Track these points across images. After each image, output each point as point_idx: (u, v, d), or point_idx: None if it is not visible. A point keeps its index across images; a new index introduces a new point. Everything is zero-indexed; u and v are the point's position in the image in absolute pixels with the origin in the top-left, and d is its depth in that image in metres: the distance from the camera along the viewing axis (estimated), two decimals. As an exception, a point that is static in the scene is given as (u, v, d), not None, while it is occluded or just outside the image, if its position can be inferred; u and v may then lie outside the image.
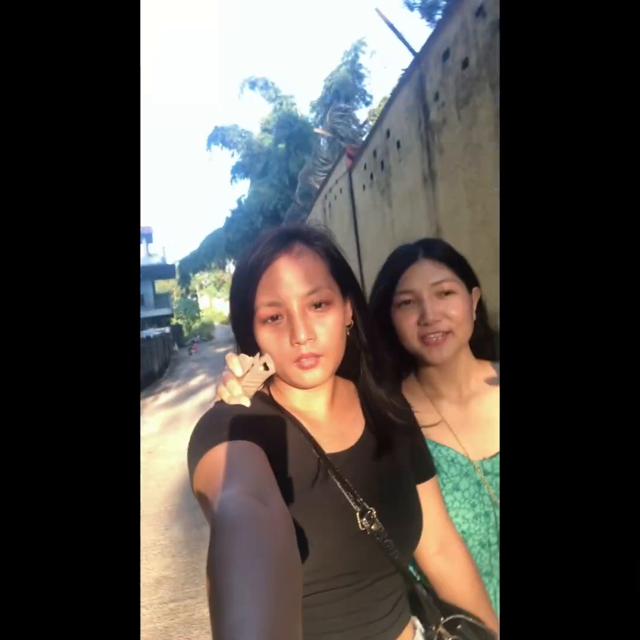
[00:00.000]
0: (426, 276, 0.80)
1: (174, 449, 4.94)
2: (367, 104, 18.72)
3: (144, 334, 16.33)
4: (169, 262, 27.16)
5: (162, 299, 27.47)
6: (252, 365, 0.61)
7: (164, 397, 9.28)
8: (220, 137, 21.33)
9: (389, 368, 0.77)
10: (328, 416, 0.67)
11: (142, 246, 26.74)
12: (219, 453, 0.52)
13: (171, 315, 28.10)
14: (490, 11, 2.91)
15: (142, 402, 8.90)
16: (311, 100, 21.03)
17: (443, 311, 0.78)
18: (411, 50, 4.13)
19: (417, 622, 0.68)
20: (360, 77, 19.20)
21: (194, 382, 10.74)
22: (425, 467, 0.74)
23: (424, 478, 0.72)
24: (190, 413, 7.00)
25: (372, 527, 0.60)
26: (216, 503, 0.42)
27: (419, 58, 3.99)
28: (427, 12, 8.98)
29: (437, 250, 0.83)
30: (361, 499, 0.61)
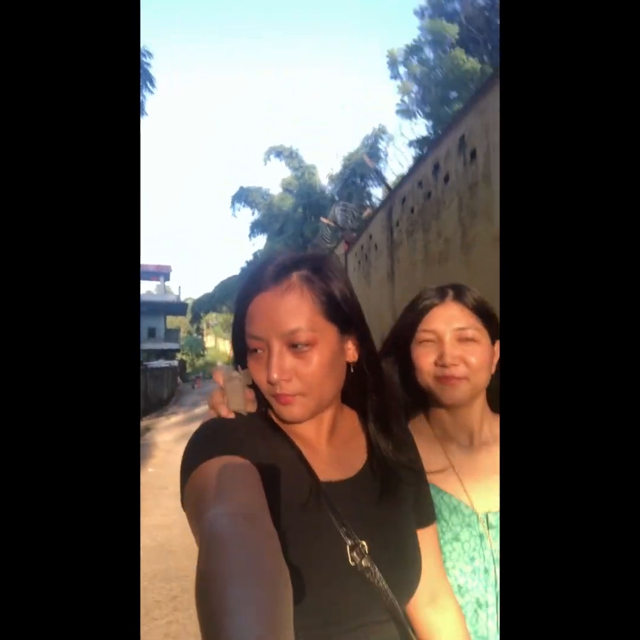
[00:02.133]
0: (451, 319, 0.79)
1: None
2: (379, 184, 21.19)
3: (156, 364, 17.97)
4: (181, 299, 29.30)
5: (172, 334, 29.25)
6: (231, 378, 0.61)
7: (174, 419, 10.86)
8: (244, 196, 23.93)
9: (394, 411, 0.73)
10: (328, 443, 0.65)
11: (160, 283, 28.93)
12: (210, 468, 0.51)
13: (178, 350, 29.75)
14: (455, 172, 4.78)
15: (155, 421, 10.45)
16: (330, 173, 23.75)
17: (462, 357, 0.77)
18: (388, 188, 6.09)
19: None
20: (377, 159, 21.84)
21: (198, 410, 12.25)
22: (426, 513, 0.70)
23: (424, 524, 0.69)
24: None
25: (362, 563, 0.56)
26: (206, 520, 0.42)
27: (391, 194, 5.92)
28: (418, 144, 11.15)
29: (467, 297, 0.81)
30: (352, 532, 0.57)
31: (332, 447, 0.65)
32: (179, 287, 30.88)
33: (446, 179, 4.33)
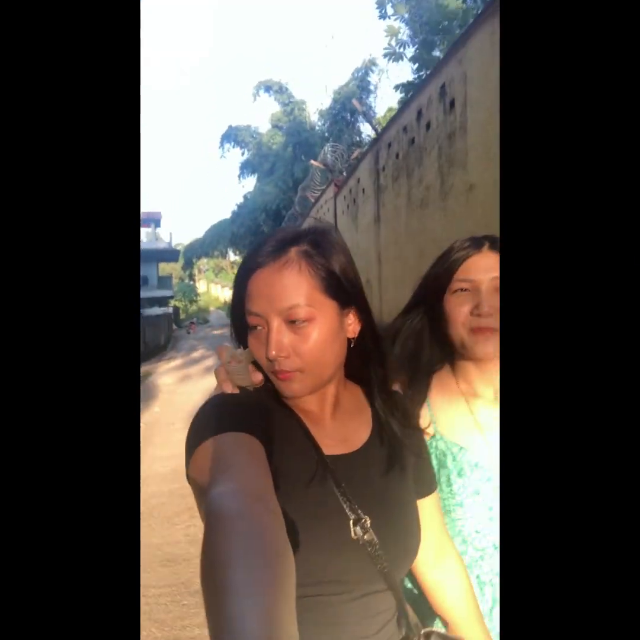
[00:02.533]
0: (489, 268, 0.77)
1: (190, 389, 7.07)
2: (370, 118, 20.44)
3: (150, 311, 18.29)
4: (172, 245, 29.06)
5: (165, 281, 29.25)
6: (232, 356, 0.61)
7: (173, 363, 11.36)
8: (233, 136, 23.11)
9: (399, 383, 0.75)
10: (332, 418, 0.65)
11: (151, 230, 28.56)
12: (216, 444, 0.51)
13: (172, 297, 29.91)
14: (434, 116, 4.86)
15: (155, 366, 10.94)
16: (319, 108, 22.86)
17: (498, 307, 0.74)
18: (376, 130, 6.10)
19: None
20: (368, 92, 20.95)
21: (196, 354, 12.75)
22: (427, 482, 0.72)
23: (425, 493, 0.71)
24: (197, 373, 9.11)
25: (365, 537, 0.57)
26: (211, 498, 0.42)
27: (377, 138, 5.96)
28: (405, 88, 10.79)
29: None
30: (356, 506, 0.59)
31: (336, 421, 0.66)
32: (170, 233, 30.35)
33: (428, 126, 4.43)
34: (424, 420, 0.80)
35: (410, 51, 11.94)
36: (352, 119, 20.43)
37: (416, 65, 11.41)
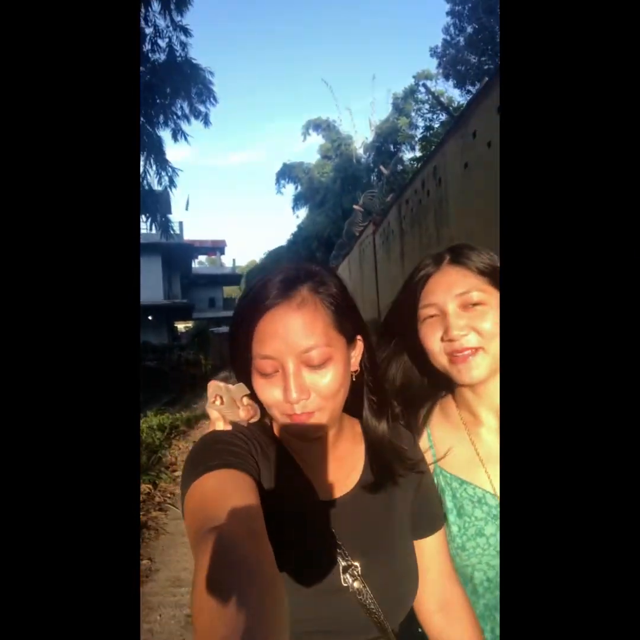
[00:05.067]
0: (450, 286, 0.71)
1: None
2: (413, 148, 22.28)
3: (220, 329, 20.98)
4: (235, 271, 32.19)
5: (229, 303, 32.39)
6: (216, 394, 0.61)
7: None
8: (287, 172, 25.89)
9: (393, 410, 0.72)
10: (327, 457, 0.64)
11: (216, 257, 31.87)
12: (208, 482, 0.51)
13: (235, 317, 32.89)
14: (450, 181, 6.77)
15: (226, 374, 13.22)
16: (364, 141, 25.06)
17: (470, 325, 0.69)
18: (450, 113, 8.04)
19: None
20: (411, 120, 22.84)
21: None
22: (428, 521, 0.69)
23: (425, 533, 0.68)
24: None
25: (354, 584, 0.57)
26: (203, 536, 0.42)
27: (399, 194, 7.91)
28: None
29: (465, 256, 0.73)
30: (346, 552, 0.58)
31: (331, 459, 0.64)
32: (233, 259, 33.60)
33: (428, 193, 6.34)
34: (426, 447, 0.77)
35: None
36: (395, 149, 22.42)
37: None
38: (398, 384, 0.84)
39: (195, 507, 0.50)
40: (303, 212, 26.71)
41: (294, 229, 26.89)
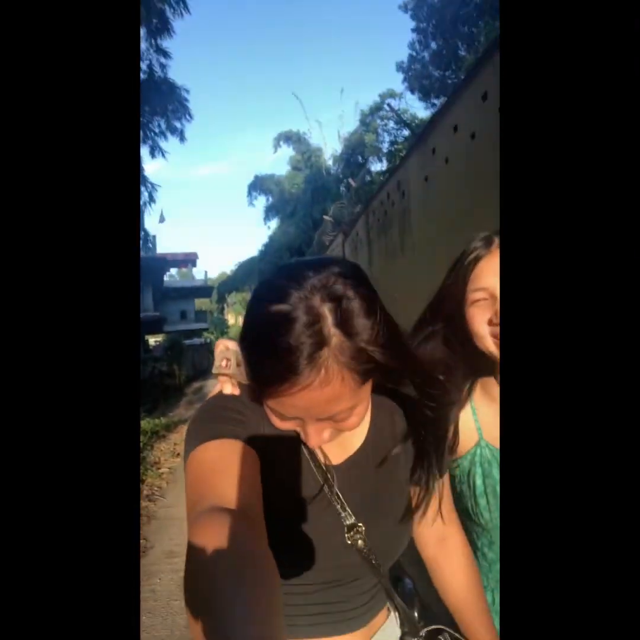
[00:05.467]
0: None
1: None
2: (380, 160, 23.00)
3: (192, 341, 20.97)
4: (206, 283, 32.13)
5: (201, 315, 32.26)
6: (228, 359, 0.59)
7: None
8: (258, 184, 26.20)
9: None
10: None
11: (188, 270, 31.74)
12: (207, 453, 0.52)
13: (206, 329, 32.81)
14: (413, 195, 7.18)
15: (204, 383, 13.33)
16: (334, 153, 25.69)
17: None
18: (412, 130, 8.44)
19: (392, 606, 0.69)
20: (378, 136, 23.59)
21: (236, 374, 15.15)
22: (438, 465, 0.69)
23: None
24: None
25: (359, 543, 0.60)
26: (197, 516, 0.44)
27: (367, 206, 8.31)
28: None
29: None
30: (350, 512, 0.61)
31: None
32: (205, 271, 33.53)
33: (393, 204, 6.74)
34: (470, 426, 0.79)
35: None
36: (364, 160, 23.07)
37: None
38: (437, 357, 0.80)
39: (195, 477, 0.51)
40: (274, 223, 27.06)
41: (265, 240, 27.14)
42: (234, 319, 54.60)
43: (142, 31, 8.88)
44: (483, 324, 0.74)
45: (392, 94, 20.37)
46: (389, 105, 17.90)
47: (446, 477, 0.73)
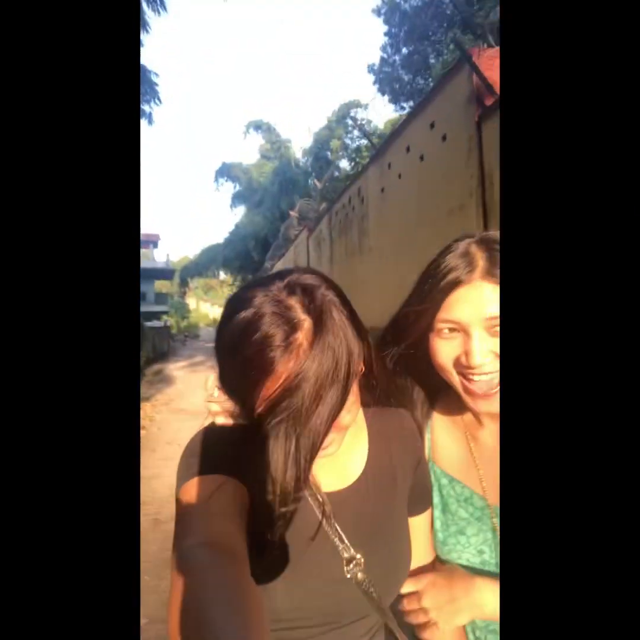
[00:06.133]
0: (481, 305, 0.62)
1: (199, 376, 9.71)
2: (351, 159, 23.60)
3: (152, 324, 20.96)
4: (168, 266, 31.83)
5: (161, 298, 31.94)
6: (215, 387, 0.58)
7: (179, 363, 14.19)
8: (226, 171, 26.19)
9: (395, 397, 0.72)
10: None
11: (149, 250, 31.29)
12: (195, 488, 0.52)
13: (166, 312, 32.54)
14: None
15: (163, 366, 13.64)
16: (303, 146, 26.06)
17: (493, 350, 0.62)
18: (328, 203, 9.05)
19: None
20: (348, 132, 24.14)
21: (196, 359, 15.49)
22: (423, 499, 0.70)
23: (419, 511, 0.69)
24: (203, 369, 11.90)
25: (358, 576, 0.58)
26: (182, 549, 0.45)
27: (330, 207, 8.93)
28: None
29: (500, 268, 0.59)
30: (349, 544, 0.59)
31: (336, 453, 0.59)
32: (167, 254, 33.18)
33: (353, 208, 7.40)
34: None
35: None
36: (332, 156, 23.62)
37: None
38: (399, 384, 0.78)
39: (183, 511, 0.51)
40: (240, 211, 27.14)
41: (231, 227, 27.18)
42: (196, 303, 54.21)
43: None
44: (449, 358, 0.66)
45: (357, 104, 21.17)
46: (352, 118, 18.54)
47: (428, 516, 0.73)
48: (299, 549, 0.57)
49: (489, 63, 4.27)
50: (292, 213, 12.24)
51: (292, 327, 0.48)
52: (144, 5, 9.18)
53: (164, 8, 9.65)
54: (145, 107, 11.59)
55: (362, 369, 0.56)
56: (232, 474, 0.54)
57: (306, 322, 0.49)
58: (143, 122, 11.78)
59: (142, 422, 6.34)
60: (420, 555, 0.70)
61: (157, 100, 11.70)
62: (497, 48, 4.45)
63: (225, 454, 0.55)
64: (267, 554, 0.52)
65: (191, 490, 0.52)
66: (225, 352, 0.52)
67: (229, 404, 0.57)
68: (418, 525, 0.70)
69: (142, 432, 5.86)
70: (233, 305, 0.52)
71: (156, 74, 11.58)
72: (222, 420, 0.59)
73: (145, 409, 7.39)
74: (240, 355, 0.49)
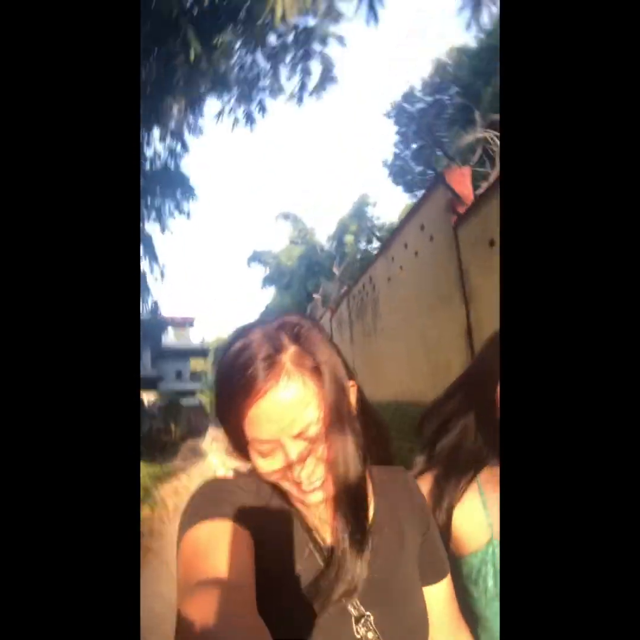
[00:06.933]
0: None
1: None
2: (369, 242, 25.36)
3: (188, 401, 22.02)
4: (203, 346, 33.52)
5: (196, 376, 33.34)
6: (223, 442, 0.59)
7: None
8: (257, 257, 28.54)
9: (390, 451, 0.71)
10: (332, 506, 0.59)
11: (185, 330, 33.28)
12: (201, 534, 0.51)
13: (201, 390, 33.73)
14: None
15: (201, 440, 14.34)
16: (328, 233, 28.23)
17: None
18: (348, 286, 10.20)
19: None
20: (368, 220, 26.14)
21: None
22: (435, 568, 0.66)
23: (433, 580, 0.66)
24: None
25: (368, 635, 0.55)
26: (187, 598, 0.43)
27: (346, 293, 10.04)
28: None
29: None
30: (358, 602, 0.56)
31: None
32: (202, 336, 35.09)
33: (367, 294, 8.46)
34: (479, 521, 0.74)
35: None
36: (355, 240, 25.44)
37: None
38: (454, 439, 0.78)
39: (187, 556, 0.51)
40: (270, 292, 28.96)
41: (262, 308, 28.85)
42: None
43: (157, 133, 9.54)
44: None
45: (367, 202, 23.64)
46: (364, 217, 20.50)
47: (448, 584, 0.68)
48: (302, 607, 0.54)
49: (459, 179, 5.44)
50: (315, 296, 13.47)
51: (277, 349, 0.52)
52: (185, 132, 11.02)
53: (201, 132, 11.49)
54: (185, 204, 13.37)
55: (355, 410, 0.59)
56: (234, 520, 0.53)
57: (292, 348, 0.53)
58: (182, 217, 13.48)
59: (177, 490, 7.04)
60: (448, 628, 0.67)
61: (193, 197, 13.45)
62: (467, 167, 5.67)
63: (227, 500, 0.56)
64: (271, 613, 0.46)
65: (194, 534, 0.52)
66: (217, 381, 0.55)
67: (229, 457, 0.59)
68: (437, 595, 0.66)
69: (176, 500, 6.53)
70: (230, 341, 0.56)
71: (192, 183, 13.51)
72: (223, 472, 0.62)
73: (182, 479, 8.11)
74: (228, 380, 0.53)
